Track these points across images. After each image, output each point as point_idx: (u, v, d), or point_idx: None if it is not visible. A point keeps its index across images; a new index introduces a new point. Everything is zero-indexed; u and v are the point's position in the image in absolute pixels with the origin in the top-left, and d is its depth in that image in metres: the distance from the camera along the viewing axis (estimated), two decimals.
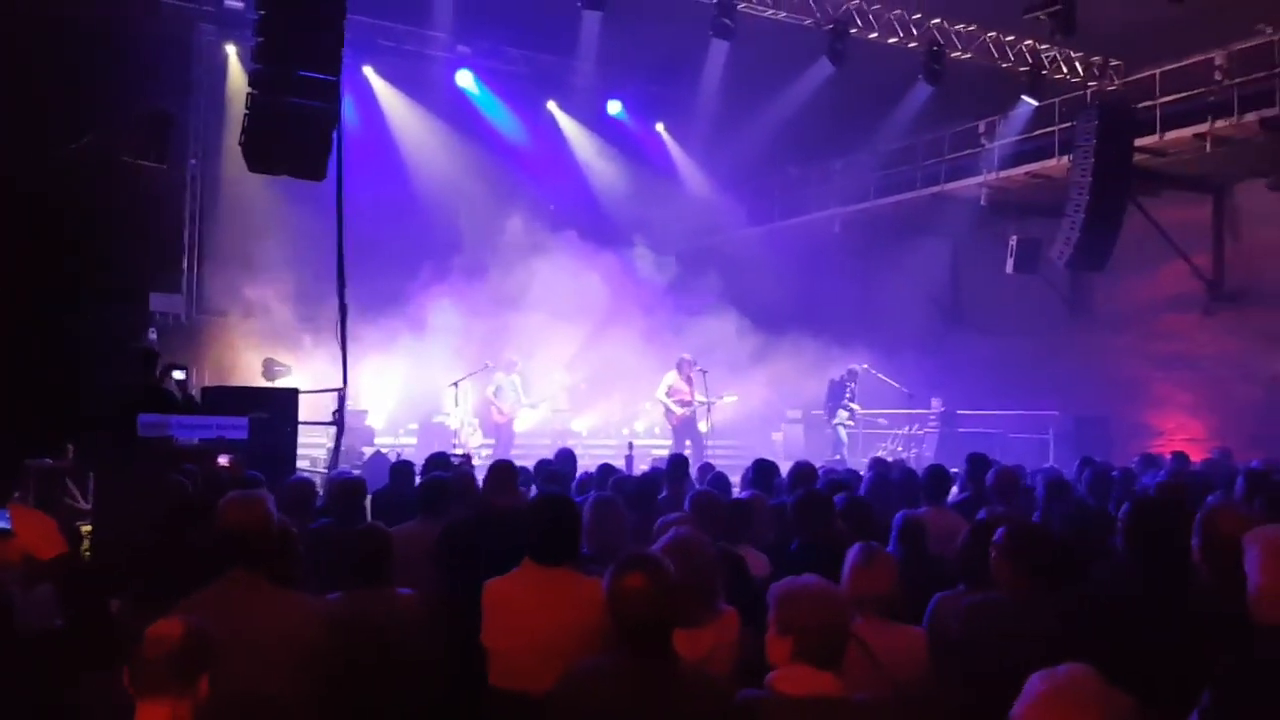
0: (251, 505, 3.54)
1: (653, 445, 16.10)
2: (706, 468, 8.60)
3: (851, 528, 4.82)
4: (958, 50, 15.02)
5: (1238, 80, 14.06)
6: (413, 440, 15.95)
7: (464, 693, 3.94)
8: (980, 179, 17.17)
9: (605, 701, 2.85)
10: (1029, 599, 3.57)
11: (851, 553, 3.68)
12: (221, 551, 3.46)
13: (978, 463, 7.27)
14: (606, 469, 7.78)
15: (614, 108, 21.00)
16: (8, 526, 2.93)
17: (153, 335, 14.37)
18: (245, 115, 9.50)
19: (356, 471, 8.69)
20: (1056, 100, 15.99)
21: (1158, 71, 15.06)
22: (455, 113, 19.31)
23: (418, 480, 7.05)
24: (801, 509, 5.03)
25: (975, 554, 4.04)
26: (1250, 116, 13.82)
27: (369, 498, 7.00)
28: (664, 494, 6.84)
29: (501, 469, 5.73)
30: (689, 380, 14.55)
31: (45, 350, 12.78)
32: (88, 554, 7.04)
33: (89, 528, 7.35)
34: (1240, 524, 3.41)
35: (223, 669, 2.86)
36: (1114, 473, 8.03)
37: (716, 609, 3.57)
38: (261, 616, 3.32)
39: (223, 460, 7.16)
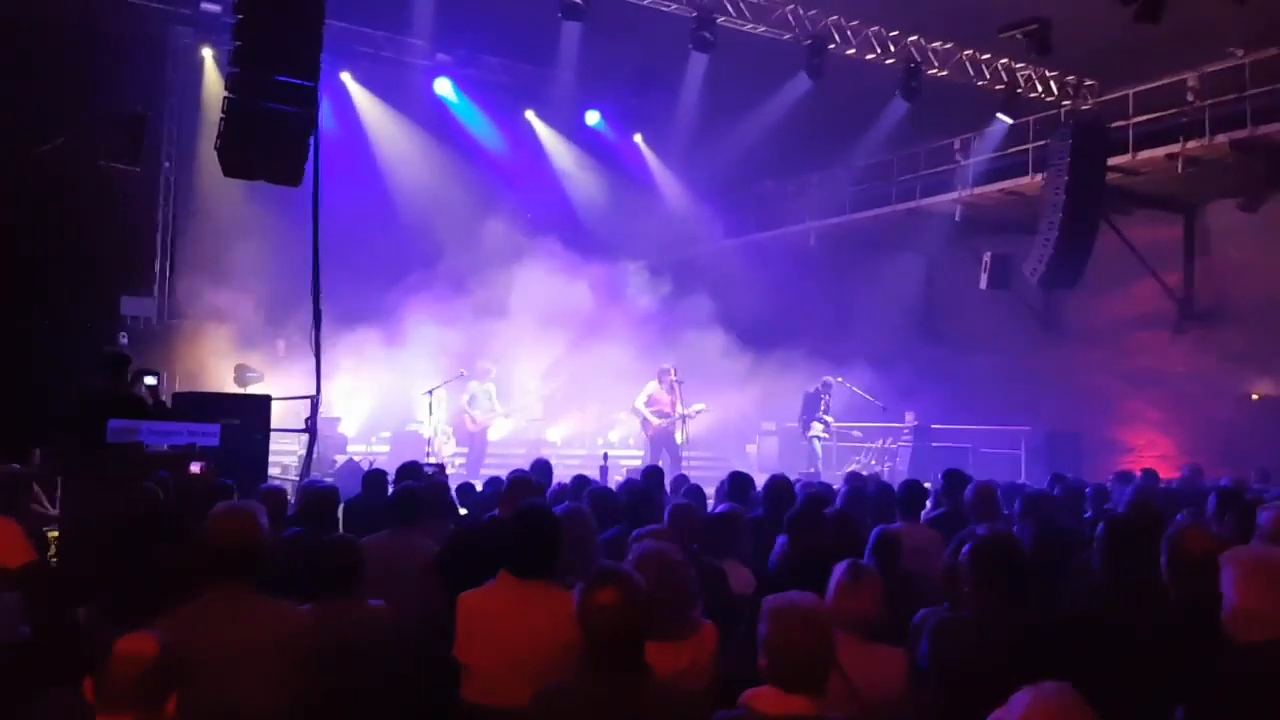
0: (244, 517, 3.49)
1: (626, 456, 16.06)
2: (680, 480, 8.58)
3: (839, 542, 4.80)
4: (934, 68, 15.12)
5: (1209, 102, 14.26)
6: (385, 449, 15.84)
7: (440, 706, 3.89)
8: (955, 195, 17.31)
9: (577, 718, 2.82)
10: (997, 616, 3.56)
11: (838, 570, 3.64)
12: (210, 563, 3.39)
13: (954, 478, 7.27)
14: (581, 480, 7.74)
15: (592, 118, 21.00)
16: None
17: (123, 339, 14.22)
18: (221, 119, 9.41)
19: (329, 480, 8.61)
20: (1031, 119, 16.13)
21: (1131, 92, 15.23)
22: (433, 121, 19.25)
23: (390, 489, 7.00)
24: (797, 523, 4.98)
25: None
26: (1221, 138, 14.01)
27: (341, 506, 6.96)
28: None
29: (521, 482, 5.69)
30: (670, 390, 14.49)
31: (12, 352, 12.62)
32: (54, 560, 6.95)
33: (55, 534, 7.26)
34: (1207, 543, 3.44)
35: (209, 682, 2.82)
36: (1087, 489, 8.10)
37: (694, 622, 3.54)
38: (251, 629, 3.28)
39: (194, 468, 7.07)
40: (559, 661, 3.49)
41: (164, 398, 9.15)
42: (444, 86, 19.28)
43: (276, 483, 8.05)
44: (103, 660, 2.55)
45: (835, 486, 8.38)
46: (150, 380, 8.70)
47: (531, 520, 3.84)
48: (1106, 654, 3.40)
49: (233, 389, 14.00)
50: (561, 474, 8.98)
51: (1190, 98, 14.65)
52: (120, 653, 2.52)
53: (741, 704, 2.79)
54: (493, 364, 15.89)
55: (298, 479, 9.80)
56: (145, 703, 2.48)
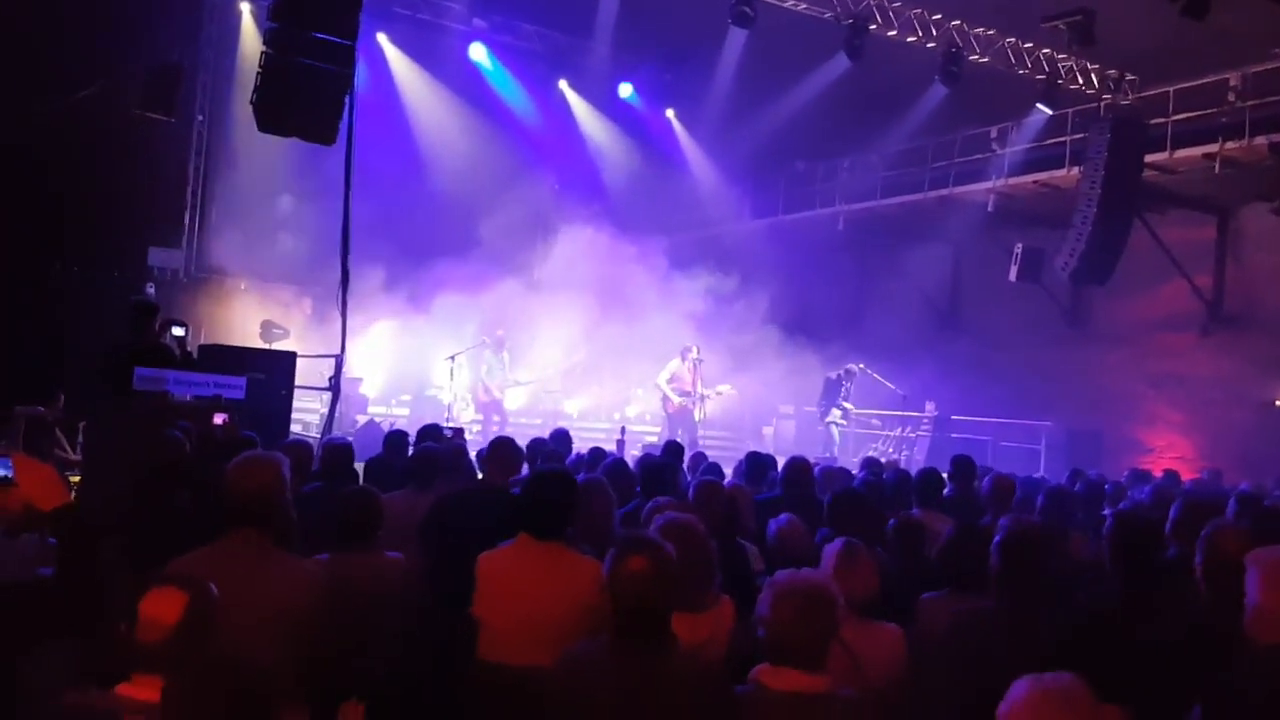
0: (266, 467, 3.48)
1: (644, 431, 16.08)
2: (699, 457, 8.59)
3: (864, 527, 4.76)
4: (975, 54, 14.98)
5: (1250, 103, 14.03)
6: (405, 412, 15.93)
7: (448, 664, 3.94)
8: (989, 185, 17.10)
9: (602, 684, 2.83)
10: (1028, 608, 3.54)
11: (832, 549, 3.63)
12: (227, 511, 3.40)
13: (962, 464, 7.25)
14: (597, 452, 7.77)
15: (625, 91, 20.90)
16: (9, 474, 2.86)
17: (150, 290, 14.31)
18: (258, 74, 9.40)
19: (349, 438, 8.67)
20: (1070, 111, 15.95)
21: (1171, 89, 15.01)
22: (467, 86, 19.22)
23: (411, 450, 7.06)
24: (840, 505, 4.92)
25: (963, 557, 4.03)
26: (1260, 140, 13.79)
27: (362, 465, 7.02)
28: None
29: (503, 446, 5.57)
30: (692, 369, 14.52)
31: (39, 298, 12.73)
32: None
33: (76, 479, 7.33)
34: (1243, 544, 3.41)
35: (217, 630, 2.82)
36: (1106, 486, 8.06)
37: (714, 595, 3.56)
38: (261, 579, 3.28)
39: (218, 419, 7.11)
40: (574, 623, 3.56)
41: (190, 350, 9.19)
42: (479, 52, 19.23)
43: (301, 437, 8.11)
44: (123, 608, 2.53)
45: (852, 473, 8.37)
46: (178, 330, 8.74)
47: (550, 482, 3.89)
48: (1128, 651, 3.39)
49: (258, 344, 14.07)
50: (579, 446, 8.99)
51: (1231, 98, 14.43)
52: (143, 619, 2.47)
53: (752, 679, 2.80)
54: (503, 331, 15.89)
55: (319, 436, 9.86)
56: (177, 661, 2.45)
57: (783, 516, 4.56)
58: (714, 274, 18.44)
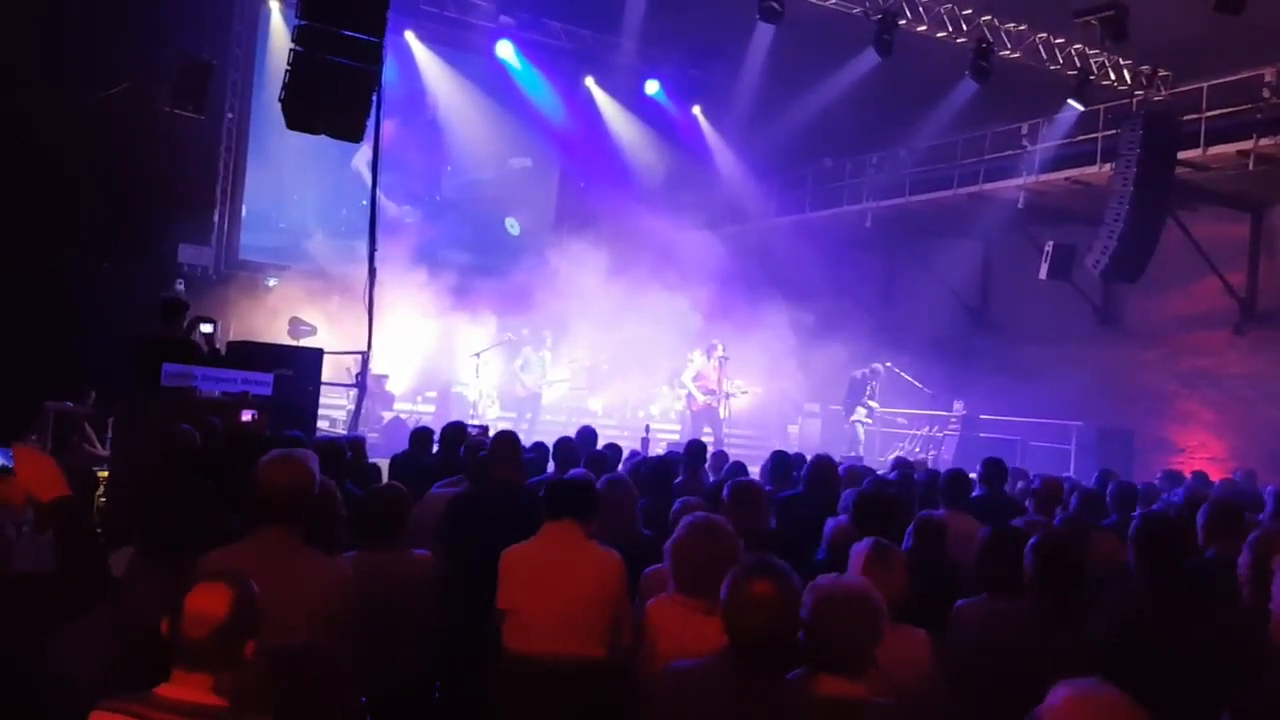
0: (295, 464, 3.49)
1: (665, 430, 16.03)
2: (721, 456, 8.55)
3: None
4: (1006, 49, 14.84)
5: None
6: (430, 409, 15.96)
7: (474, 658, 3.99)
8: (1019, 181, 16.91)
9: (717, 709, 2.71)
10: (1062, 611, 3.48)
11: (862, 548, 3.55)
12: (257, 508, 3.41)
13: (993, 466, 7.17)
14: (613, 449, 7.77)
15: (652, 87, 20.87)
16: (8, 465, 2.86)
17: (180, 286, 14.41)
18: (286, 71, 9.44)
19: (373, 434, 8.69)
20: (1102, 107, 15.76)
21: (1205, 85, 14.80)
22: (494, 83, 19.24)
23: (435, 447, 7.09)
24: (865, 506, 4.84)
25: (999, 560, 3.97)
26: None
27: (388, 461, 7.04)
28: (680, 479, 6.79)
29: (504, 441, 5.51)
30: (717, 367, 14.47)
31: (70, 295, 12.84)
32: (103, 499, 7.08)
33: (106, 474, 7.40)
34: None
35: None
36: (1138, 486, 7.95)
37: None
38: (294, 577, 3.28)
39: (245, 415, 7.14)
40: (598, 608, 3.71)
41: (219, 346, 9.25)
42: (506, 49, 19.24)
43: (330, 435, 8.14)
44: (147, 600, 2.52)
45: (879, 472, 8.31)
46: (206, 328, 8.79)
47: (568, 477, 4.15)
48: (1159, 656, 3.34)
49: (286, 341, 14.13)
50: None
51: (1265, 94, 14.21)
52: (190, 615, 2.42)
53: (790, 683, 2.72)
54: (528, 329, 15.92)
55: (345, 432, 9.90)
56: (222, 660, 2.42)
57: (841, 517, 4.49)
58: (740, 271, 18.37)
